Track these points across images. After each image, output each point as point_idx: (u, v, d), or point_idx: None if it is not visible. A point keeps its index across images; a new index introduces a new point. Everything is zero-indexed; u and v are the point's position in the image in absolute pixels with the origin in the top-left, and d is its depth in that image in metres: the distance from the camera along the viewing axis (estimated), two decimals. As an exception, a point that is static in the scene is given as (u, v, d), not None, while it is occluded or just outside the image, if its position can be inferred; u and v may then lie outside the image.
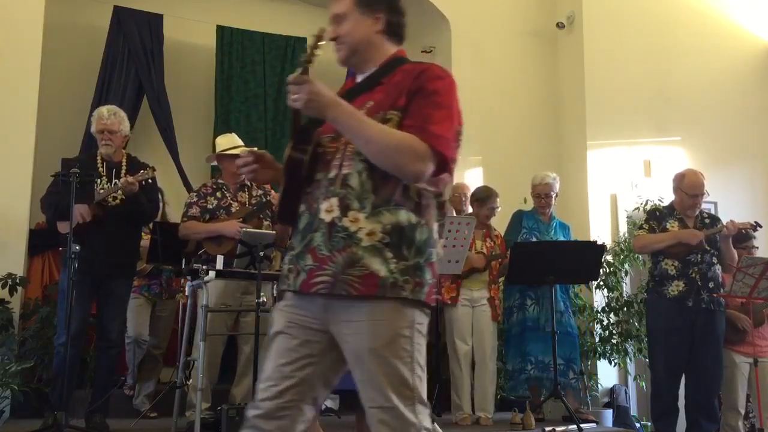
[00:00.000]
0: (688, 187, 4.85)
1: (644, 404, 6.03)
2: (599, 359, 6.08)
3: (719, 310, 4.80)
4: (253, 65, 7.12)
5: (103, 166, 4.44)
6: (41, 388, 4.83)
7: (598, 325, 6.11)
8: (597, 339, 6.07)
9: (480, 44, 7.16)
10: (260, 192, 4.66)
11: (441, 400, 5.28)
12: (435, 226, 2.00)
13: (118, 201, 4.35)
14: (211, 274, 3.91)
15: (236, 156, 3.28)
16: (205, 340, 3.91)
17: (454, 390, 5.17)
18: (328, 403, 4.99)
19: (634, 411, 6.20)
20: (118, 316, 4.48)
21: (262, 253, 3.98)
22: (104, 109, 4.55)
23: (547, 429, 4.82)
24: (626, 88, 7.00)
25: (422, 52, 7.29)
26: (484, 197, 5.36)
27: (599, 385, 6.18)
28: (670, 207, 5.01)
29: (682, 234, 4.77)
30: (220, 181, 4.68)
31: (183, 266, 4.38)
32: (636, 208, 6.58)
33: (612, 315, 6.11)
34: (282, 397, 1.92)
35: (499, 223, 5.63)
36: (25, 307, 5.34)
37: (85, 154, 5.14)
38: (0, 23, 5.50)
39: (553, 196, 5.55)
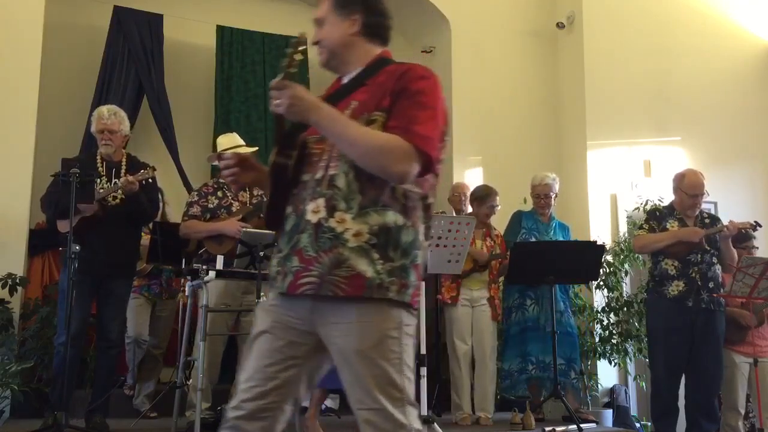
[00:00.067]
0: (688, 187, 4.84)
1: (644, 404, 6.02)
2: (599, 359, 6.08)
3: (719, 310, 4.80)
4: (253, 65, 7.12)
5: (103, 166, 4.44)
6: (41, 388, 4.83)
7: (598, 325, 6.11)
8: (597, 339, 6.07)
9: (480, 44, 7.16)
10: (261, 192, 4.65)
11: (441, 400, 5.29)
12: (421, 228, 1.99)
13: (118, 201, 4.35)
14: (212, 274, 3.91)
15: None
16: (205, 340, 3.91)
17: (454, 390, 5.16)
18: (328, 403, 4.99)
19: (634, 411, 6.20)
20: (118, 316, 4.48)
21: (262, 253, 3.96)
22: (104, 109, 4.55)
23: (547, 429, 4.82)
24: (626, 88, 7.00)
25: (422, 52, 7.31)
26: (483, 196, 5.36)
27: (599, 385, 6.17)
28: (670, 207, 5.01)
29: (682, 232, 4.77)
30: (221, 180, 4.66)
31: (183, 266, 4.38)
32: (636, 208, 6.57)
33: (612, 315, 6.11)
34: (265, 398, 1.91)
35: (499, 222, 5.63)
36: (25, 307, 5.34)
37: (85, 154, 5.14)
38: (0, 23, 5.50)
39: (553, 196, 5.54)
